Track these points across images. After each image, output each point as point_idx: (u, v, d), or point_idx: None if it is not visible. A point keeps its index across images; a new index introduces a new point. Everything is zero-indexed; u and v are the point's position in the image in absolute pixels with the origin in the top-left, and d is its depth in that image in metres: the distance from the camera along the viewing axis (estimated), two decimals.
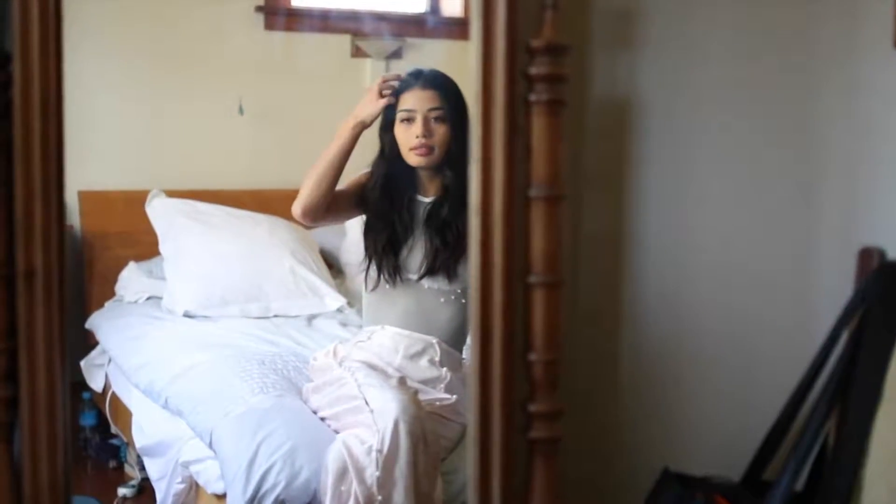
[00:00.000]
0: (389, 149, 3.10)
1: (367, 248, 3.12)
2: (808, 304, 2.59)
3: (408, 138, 3.05)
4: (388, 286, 3.09)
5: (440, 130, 3.03)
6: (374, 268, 3.09)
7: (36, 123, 2.01)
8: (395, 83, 3.07)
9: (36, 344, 2.04)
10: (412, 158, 3.05)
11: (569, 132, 2.20)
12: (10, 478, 2.06)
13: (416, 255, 3.06)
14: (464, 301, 3.04)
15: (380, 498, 2.64)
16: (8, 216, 2.02)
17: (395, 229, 3.08)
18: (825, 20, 2.58)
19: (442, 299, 3.06)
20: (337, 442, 2.74)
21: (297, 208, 3.09)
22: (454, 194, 3.02)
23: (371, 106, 3.05)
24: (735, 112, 2.55)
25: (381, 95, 3.05)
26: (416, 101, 3.05)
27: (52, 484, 2.07)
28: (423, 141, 3.02)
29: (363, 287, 3.17)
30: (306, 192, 3.06)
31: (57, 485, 2.07)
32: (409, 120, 3.04)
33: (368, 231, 3.12)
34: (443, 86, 3.05)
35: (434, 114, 3.03)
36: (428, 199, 3.10)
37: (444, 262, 3.03)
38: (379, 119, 3.07)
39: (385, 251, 3.08)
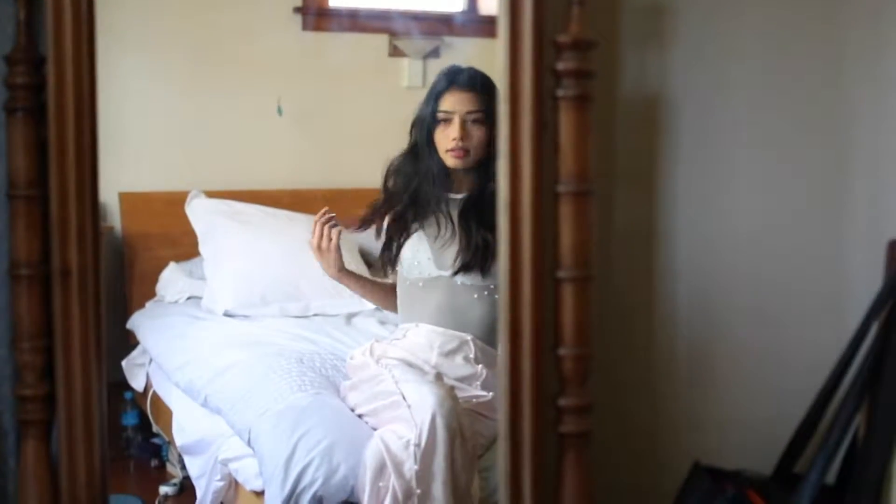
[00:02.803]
0: (423, 145, 3.11)
1: (389, 240, 3.19)
2: (838, 298, 2.58)
3: (444, 139, 3.06)
4: (420, 283, 3.11)
5: (477, 133, 3.04)
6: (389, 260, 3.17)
7: (70, 124, 2.04)
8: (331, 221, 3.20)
9: (72, 342, 2.06)
10: (448, 160, 3.07)
11: (599, 128, 2.21)
12: (49, 475, 2.09)
13: (450, 251, 3.08)
14: (497, 296, 3.04)
15: (419, 492, 2.66)
16: (43, 216, 2.05)
17: (421, 224, 3.13)
18: (854, 17, 2.57)
19: (475, 295, 3.07)
20: (375, 438, 2.75)
21: None
22: (490, 191, 3.02)
23: (325, 263, 3.24)
24: (764, 107, 2.55)
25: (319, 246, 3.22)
26: (454, 102, 3.06)
27: (89, 481, 2.10)
28: (458, 143, 3.04)
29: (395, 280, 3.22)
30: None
31: (94, 482, 2.10)
32: (447, 121, 3.05)
33: (392, 226, 3.19)
34: (482, 87, 3.05)
35: (472, 116, 3.04)
36: (460, 196, 3.11)
37: (480, 258, 3.03)
38: (414, 115, 3.12)
39: (405, 242, 3.14)
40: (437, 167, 3.10)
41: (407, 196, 3.13)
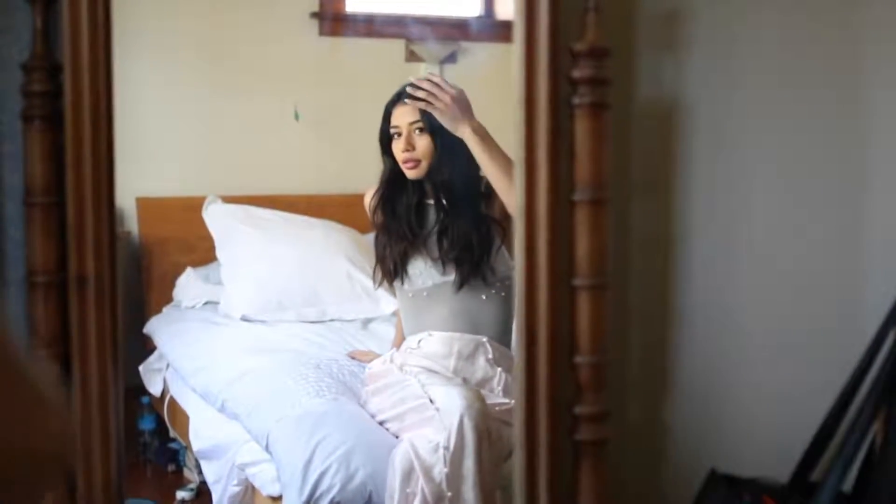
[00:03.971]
0: (391, 166, 3.18)
1: (378, 259, 3.21)
2: (855, 305, 2.57)
3: (398, 153, 3.12)
4: (425, 293, 3.12)
5: (422, 142, 3.10)
6: (387, 272, 3.18)
7: (86, 132, 2.04)
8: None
9: (88, 349, 2.07)
10: (406, 172, 3.12)
11: (615, 135, 2.21)
12: (65, 481, 2.09)
13: (442, 259, 3.11)
14: (503, 294, 3.08)
15: (449, 494, 2.66)
16: (60, 223, 2.05)
17: (405, 234, 3.15)
18: (870, 20, 2.56)
19: (483, 296, 3.08)
20: (403, 443, 2.76)
21: None
22: (453, 196, 3.11)
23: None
24: (781, 113, 2.54)
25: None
26: (399, 116, 3.14)
27: (105, 487, 2.10)
28: (407, 155, 3.10)
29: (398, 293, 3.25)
30: None
31: (110, 488, 2.10)
32: (398, 135, 3.12)
33: (379, 242, 3.22)
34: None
35: (415, 126, 3.10)
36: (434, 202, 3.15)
37: (475, 265, 3.07)
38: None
39: (392, 256, 3.16)
40: (405, 181, 3.16)
41: (394, 215, 3.18)
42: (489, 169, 2.93)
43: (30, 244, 2.06)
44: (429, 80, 2.98)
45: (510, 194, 2.92)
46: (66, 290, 2.06)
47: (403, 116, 3.11)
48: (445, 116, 2.97)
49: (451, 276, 3.09)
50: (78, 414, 2.07)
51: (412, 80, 3.13)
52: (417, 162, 3.09)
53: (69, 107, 2.03)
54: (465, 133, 2.95)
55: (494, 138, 3.02)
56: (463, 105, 2.96)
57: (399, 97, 3.14)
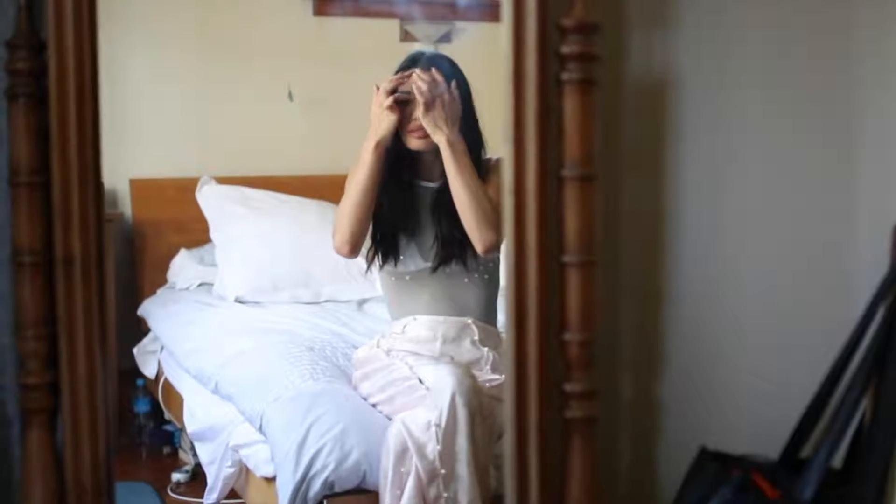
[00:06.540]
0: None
1: (371, 236, 3.08)
2: (845, 281, 2.56)
3: (407, 121, 2.98)
4: (407, 276, 3.09)
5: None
6: (377, 254, 3.10)
7: (72, 110, 2.03)
8: (402, 87, 2.97)
9: (76, 330, 2.05)
10: (412, 142, 2.99)
11: (605, 112, 2.20)
12: (53, 463, 2.08)
13: (426, 244, 3.06)
14: (486, 276, 3.06)
15: (443, 472, 2.67)
16: (46, 203, 2.04)
17: (396, 215, 3.06)
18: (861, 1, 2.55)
19: (465, 279, 3.05)
20: (396, 423, 2.75)
21: (339, 246, 3.03)
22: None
23: (385, 122, 2.95)
24: (772, 89, 2.53)
25: (390, 107, 2.95)
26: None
27: (93, 469, 2.09)
28: (418, 123, 2.96)
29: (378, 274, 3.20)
30: (344, 227, 3.01)
31: (99, 469, 2.09)
32: (409, 102, 2.97)
33: (377, 222, 3.08)
34: (441, 67, 3.02)
35: None
36: (433, 185, 3.08)
37: (457, 251, 3.02)
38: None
39: (385, 238, 3.08)
40: (404, 153, 3.04)
41: (384, 194, 3.04)
42: (457, 189, 2.91)
43: (15, 224, 2.04)
44: (430, 75, 2.94)
45: (478, 228, 2.92)
46: (52, 271, 2.05)
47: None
48: (428, 116, 2.92)
49: (428, 262, 3.05)
50: (67, 396, 2.06)
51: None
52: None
53: (54, 85, 2.02)
54: (441, 140, 2.92)
55: (484, 130, 3.00)
56: (452, 113, 2.93)
57: (415, 62, 3.02)
